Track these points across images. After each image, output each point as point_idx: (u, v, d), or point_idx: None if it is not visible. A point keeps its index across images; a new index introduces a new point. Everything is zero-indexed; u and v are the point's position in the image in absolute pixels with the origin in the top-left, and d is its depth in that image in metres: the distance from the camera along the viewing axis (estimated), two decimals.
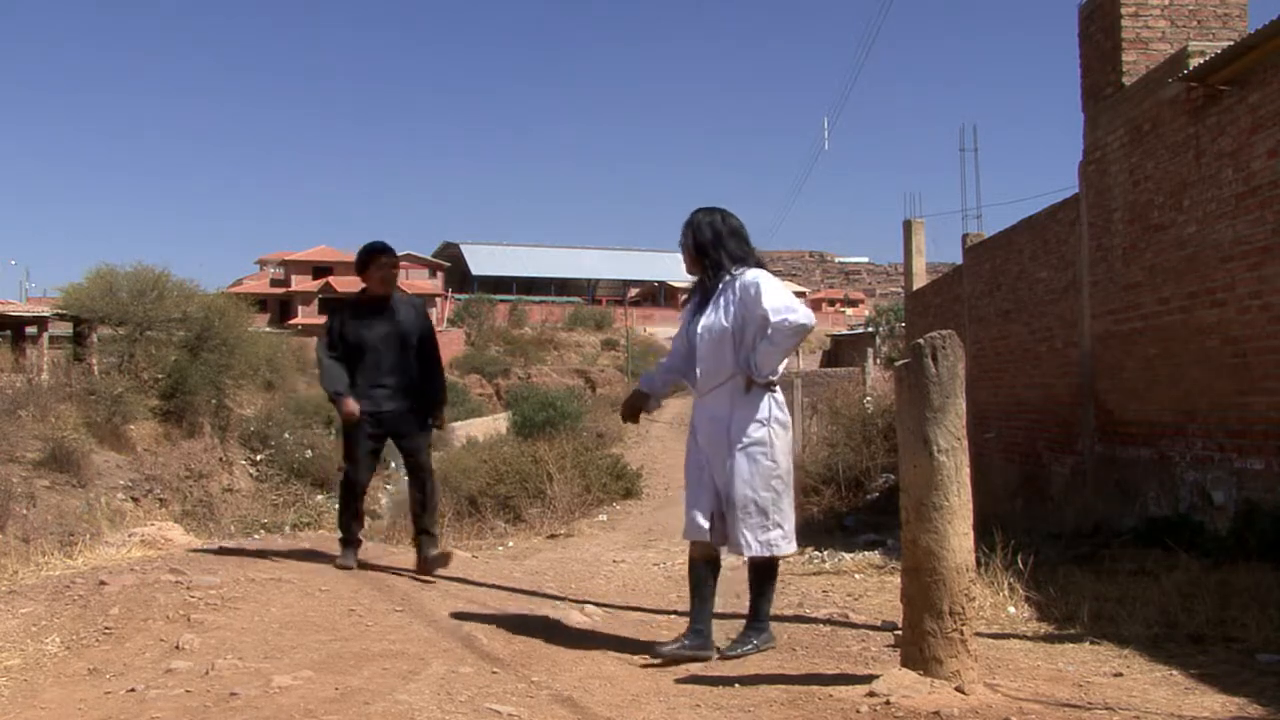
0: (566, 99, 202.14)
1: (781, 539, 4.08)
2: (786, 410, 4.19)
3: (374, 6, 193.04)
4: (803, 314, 3.97)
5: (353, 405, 5.53)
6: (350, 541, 5.83)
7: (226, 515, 18.53)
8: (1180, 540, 6.35)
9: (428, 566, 5.69)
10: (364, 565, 5.75)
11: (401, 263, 6.08)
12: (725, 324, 4.07)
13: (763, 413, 4.06)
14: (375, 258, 5.76)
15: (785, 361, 4.12)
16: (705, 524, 4.09)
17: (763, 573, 4.20)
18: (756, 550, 4.05)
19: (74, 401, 19.42)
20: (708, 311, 4.14)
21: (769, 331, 3.95)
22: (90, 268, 24.93)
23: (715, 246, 4.15)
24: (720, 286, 4.14)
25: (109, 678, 3.67)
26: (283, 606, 4.58)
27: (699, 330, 4.14)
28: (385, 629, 4.34)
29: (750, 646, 4.16)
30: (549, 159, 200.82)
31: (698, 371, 4.16)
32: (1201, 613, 4.82)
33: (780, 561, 4.24)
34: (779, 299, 3.98)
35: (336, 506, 6.14)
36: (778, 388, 4.14)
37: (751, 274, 4.08)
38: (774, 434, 4.07)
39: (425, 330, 5.87)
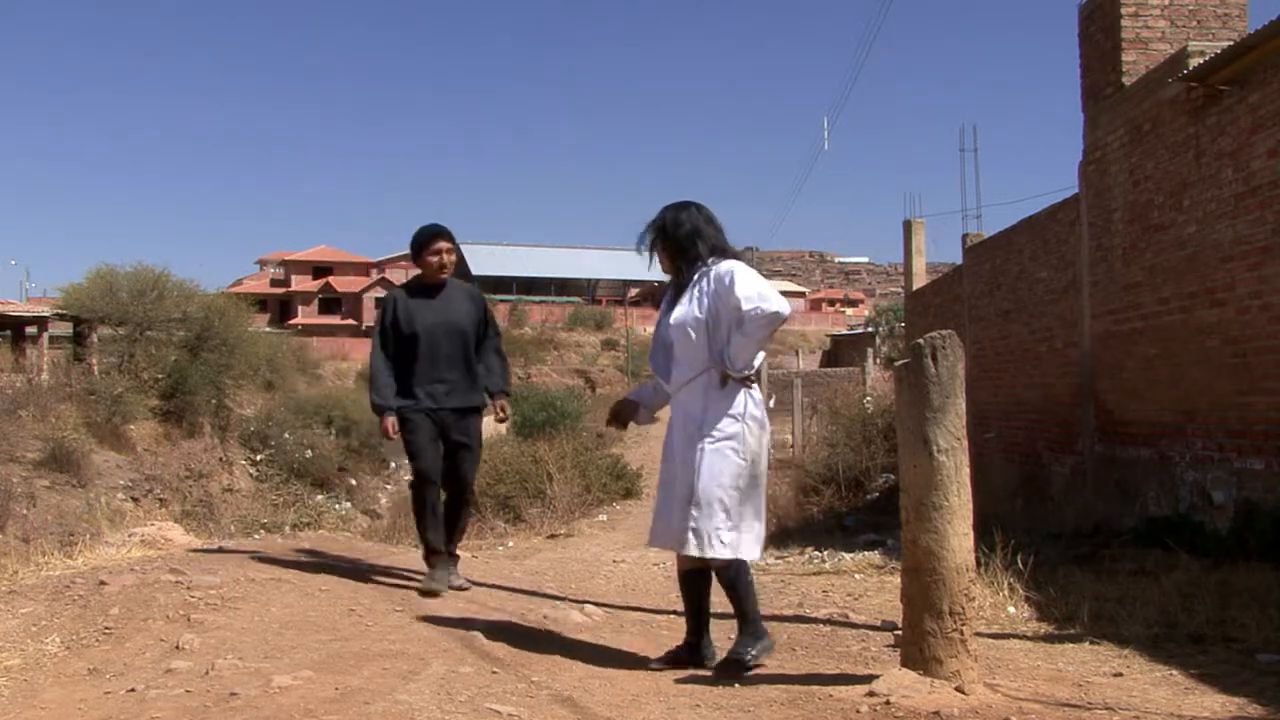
0: (566, 99, 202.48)
1: (750, 542, 3.85)
2: (763, 410, 3.97)
3: (374, 6, 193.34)
4: (776, 302, 3.79)
5: (390, 425, 5.18)
6: (436, 551, 5.32)
7: (226, 515, 18.50)
8: (1180, 540, 6.35)
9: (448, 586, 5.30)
10: (454, 588, 5.29)
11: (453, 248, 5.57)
12: (698, 315, 3.90)
13: (737, 408, 3.86)
14: (431, 241, 5.32)
15: (761, 355, 3.94)
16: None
17: (732, 579, 3.90)
18: (719, 552, 3.80)
19: (74, 401, 19.40)
20: (680, 303, 3.98)
21: (742, 322, 3.80)
22: (90, 268, 24.96)
23: (692, 240, 3.99)
24: (695, 278, 3.97)
25: (109, 678, 3.67)
26: (283, 606, 4.58)
27: (671, 322, 3.97)
28: (385, 629, 4.34)
29: (750, 657, 3.91)
30: (549, 159, 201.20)
31: (671, 367, 4.00)
32: (1201, 613, 4.82)
33: (744, 562, 3.91)
34: (752, 287, 3.81)
35: (414, 519, 5.53)
36: (755, 385, 3.95)
37: (727, 264, 3.92)
38: (748, 430, 3.86)
39: (484, 318, 5.48)
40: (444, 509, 5.44)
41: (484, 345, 5.45)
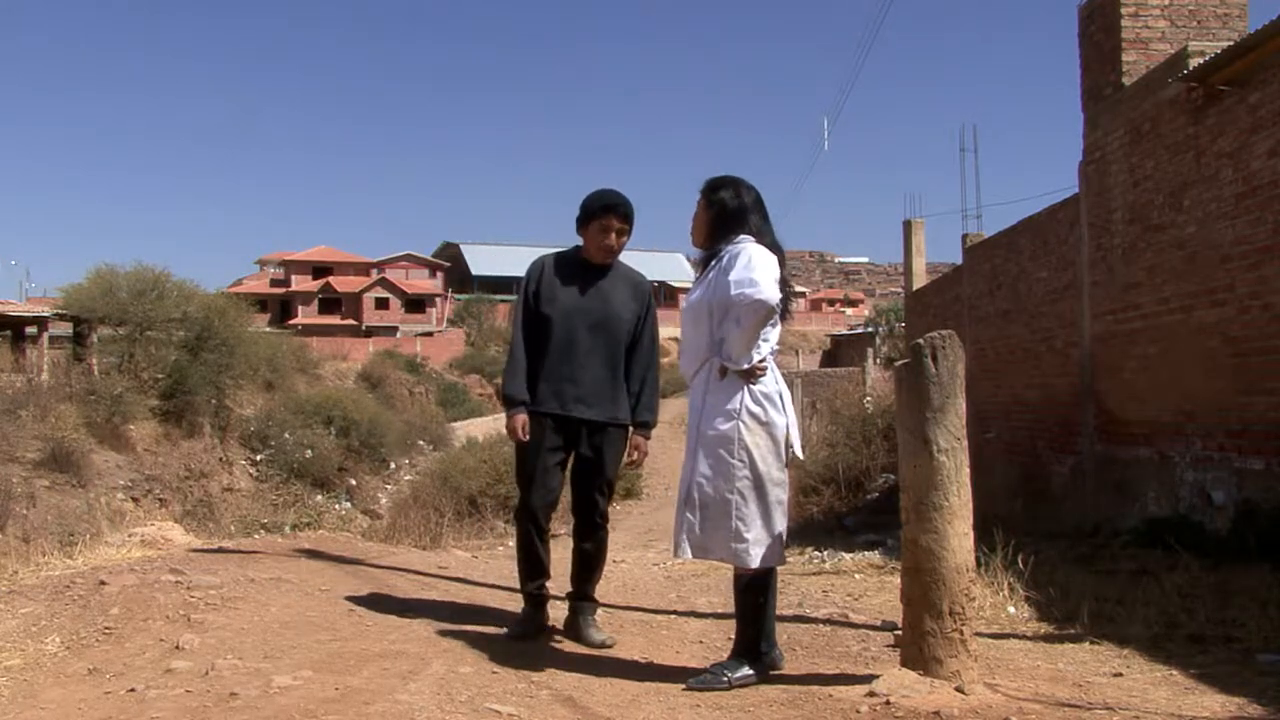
0: (566, 99, 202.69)
1: (749, 549, 3.58)
2: (770, 407, 3.67)
3: (375, 6, 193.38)
4: (763, 290, 3.51)
5: (520, 424, 4.17)
6: (534, 597, 4.35)
7: (226, 515, 18.51)
8: (1180, 540, 6.34)
9: (585, 643, 4.32)
10: (551, 630, 4.41)
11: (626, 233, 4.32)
12: (706, 299, 3.67)
13: (733, 404, 3.61)
14: (602, 214, 4.20)
15: (767, 350, 3.66)
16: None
17: (743, 588, 3.69)
18: (719, 557, 3.64)
19: (74, 401, 19.37)
20: (693, 287, 3.78)
21: (730, 307, 3.57)
22: (90, 268, 24.85)
23: (730, 212, 3.71)
24: (714, 261, 3.71)
25: (109, 678, 3.67)
26: (283, 606, 4.58)
27: (684, 307, 3.75)
28: (385, 629, 4.34)
29: (710, 677, 3.65)
30: (548, 159, 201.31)
31: (681, 357, 3.80)
32: (1201, 613, 4.82)
33: (767, 575, 3.71)
34: (745, 272, 3.55)
35: (517, 557, 4.49)
36: (764, 380, 3.66)
37: (741, 245, 3.67)
38: (743, 429, 3.60)
39: (644, 319, 4.35)
40: (574, 544, 4.45)
41: (634, 353, 4.34)
